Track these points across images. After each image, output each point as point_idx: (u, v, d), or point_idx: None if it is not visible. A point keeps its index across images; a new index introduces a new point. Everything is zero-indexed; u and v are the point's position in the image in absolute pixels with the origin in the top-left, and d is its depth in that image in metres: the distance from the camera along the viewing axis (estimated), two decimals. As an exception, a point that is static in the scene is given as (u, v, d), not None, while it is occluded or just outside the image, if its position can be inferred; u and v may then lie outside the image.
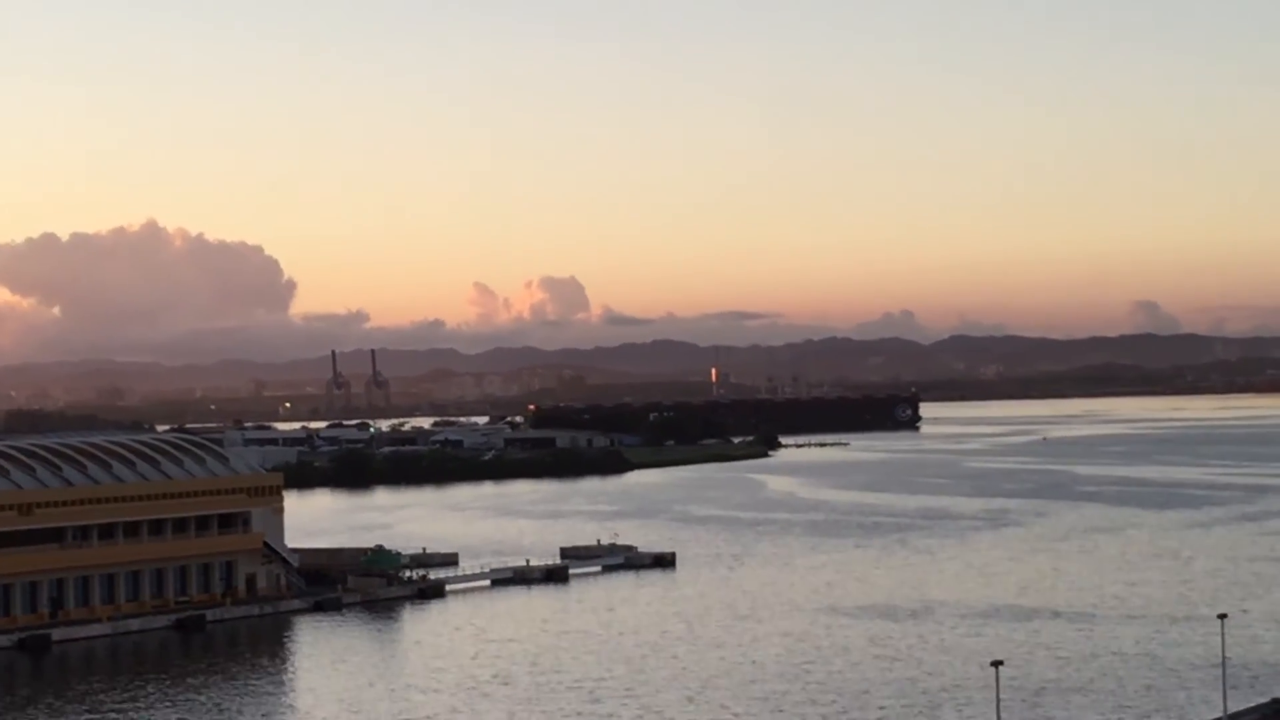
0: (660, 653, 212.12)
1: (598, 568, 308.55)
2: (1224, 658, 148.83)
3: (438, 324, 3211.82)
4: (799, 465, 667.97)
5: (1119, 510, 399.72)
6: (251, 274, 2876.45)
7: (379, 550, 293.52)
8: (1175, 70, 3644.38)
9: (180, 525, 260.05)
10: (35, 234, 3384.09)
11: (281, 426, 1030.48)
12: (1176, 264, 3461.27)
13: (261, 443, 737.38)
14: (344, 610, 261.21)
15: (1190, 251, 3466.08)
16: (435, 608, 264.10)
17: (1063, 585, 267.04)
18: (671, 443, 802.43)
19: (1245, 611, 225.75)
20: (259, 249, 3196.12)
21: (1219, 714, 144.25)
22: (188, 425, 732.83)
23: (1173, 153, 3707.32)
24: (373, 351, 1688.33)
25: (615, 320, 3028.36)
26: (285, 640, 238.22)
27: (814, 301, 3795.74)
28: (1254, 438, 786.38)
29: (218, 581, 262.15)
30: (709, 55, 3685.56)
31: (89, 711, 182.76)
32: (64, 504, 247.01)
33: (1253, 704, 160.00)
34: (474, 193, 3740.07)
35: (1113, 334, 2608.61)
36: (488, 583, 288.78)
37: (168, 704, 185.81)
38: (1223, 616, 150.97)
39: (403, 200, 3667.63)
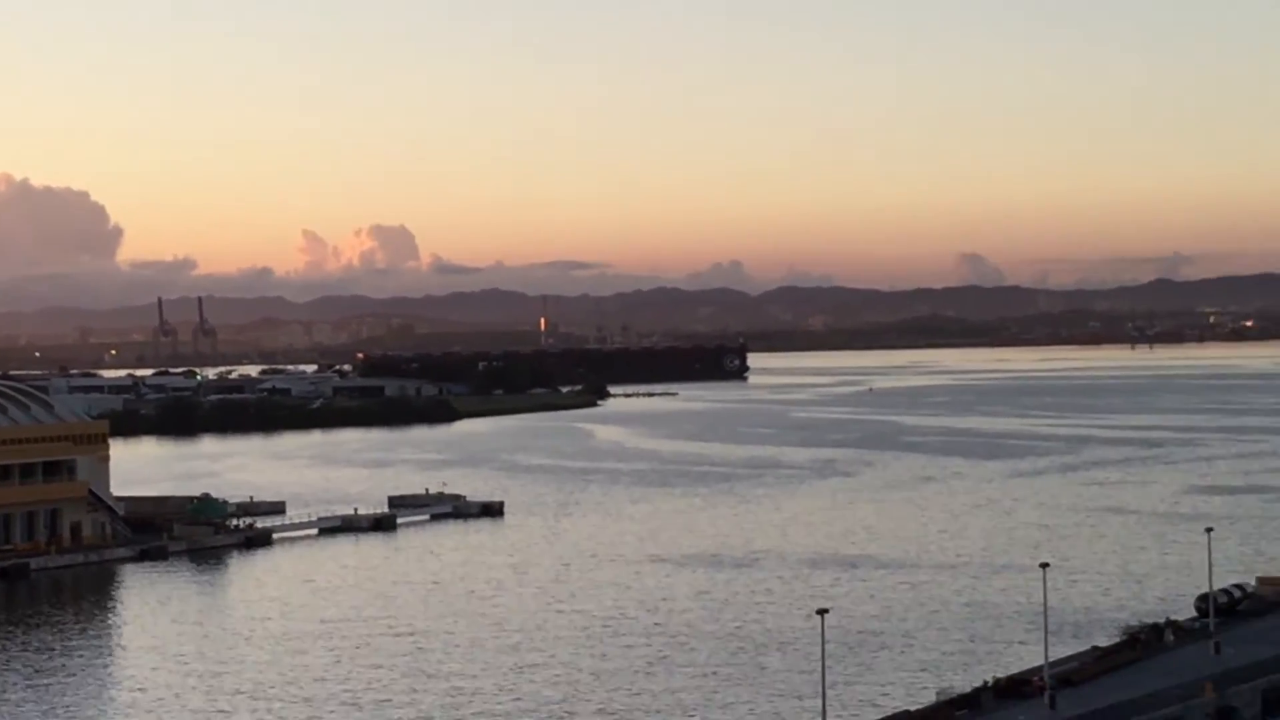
0: (487, 601, 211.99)
1: (425, 516, 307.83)
2: (1045, 606, 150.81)
3: (266, 272, 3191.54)
4: (627, 415, 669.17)
5: (943, 460, 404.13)
6: (77, 220, 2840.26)
7: (205, 498, 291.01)
8: (1001, 27, 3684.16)
9: (4, 473, 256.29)
10: None
11: (107, 374, 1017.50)
12: (1002, 217, 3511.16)
13: (87, 390, 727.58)
14: (170, 559, 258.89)
15: (1016, 205, 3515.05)
16: (262, 556, 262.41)
17: (887, 534, 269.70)
18: (500, 392, 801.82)
19: (1067, 561, 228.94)
20: (85, 195, 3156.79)
21: (1040, 662, 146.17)
22: (11, 373, 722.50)
23: (998, 107, 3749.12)
24: (200, 299, 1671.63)
25: (445, 269, 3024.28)
26: (110, 589, 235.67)
27: (644, 252, 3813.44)
28: (1076, 389, 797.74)
29: (42, 530, 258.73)
30: (539, 1, 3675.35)
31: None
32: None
33: (1073, 651, 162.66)
34: (303, 139, 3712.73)
35: (939, 286, 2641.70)
36: (315, 531, 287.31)
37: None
38: (1044, 566, 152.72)
39: (231, 147, 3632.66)
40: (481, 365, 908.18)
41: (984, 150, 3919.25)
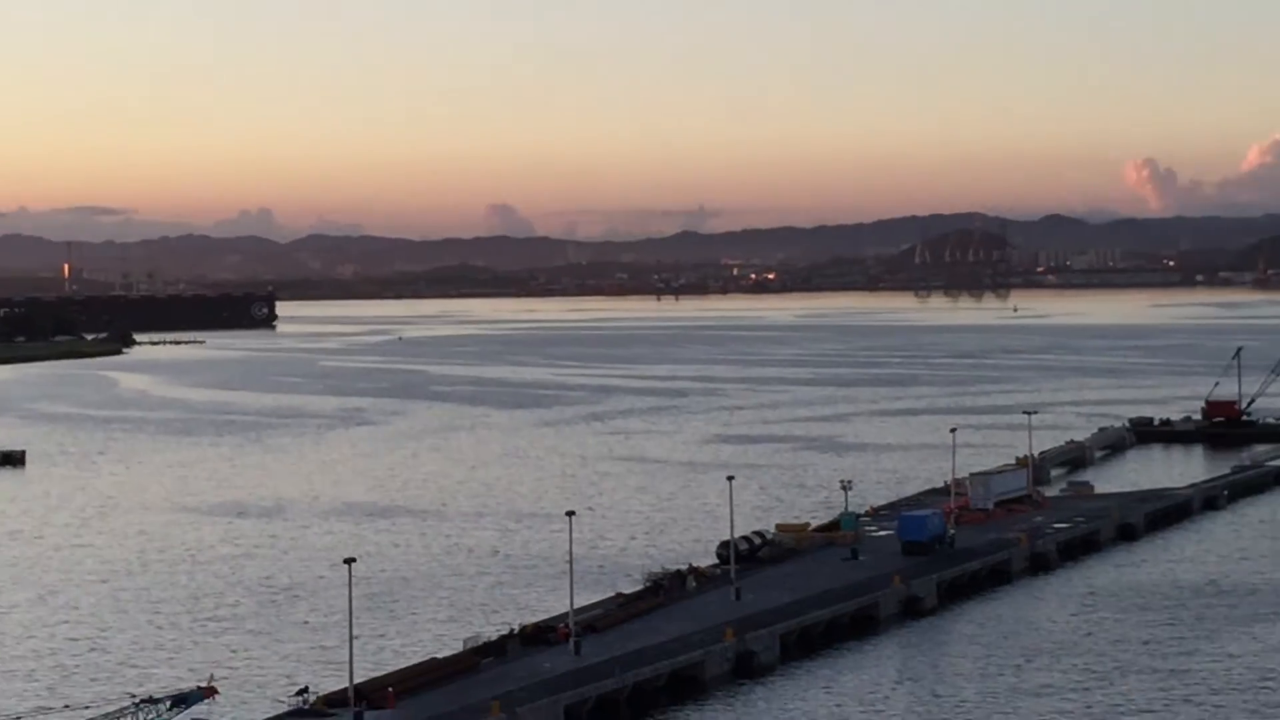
0: (8, 552, 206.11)
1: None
2: (571, 554, 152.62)
3: None
4: (154, 363, 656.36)
5: (471, 409, 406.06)
6: None
7: None
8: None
9: None
10: None
11: None
12: (531, 169, 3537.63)
13: None
14: None
15: (545, 157, 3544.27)
16: None
17: (415, 483, 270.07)
18: (22, 339, 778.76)
19: (592, 509, 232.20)
20: None
21: (565, 609, 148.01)
22: None
23: (526, 60, 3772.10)
24: None
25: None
26: None
27: (171, 199, 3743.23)
28: (602, 339, 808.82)
29: None
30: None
31: None
32: None
33: (599, 599, 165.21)
34: None
35: (468, 236, 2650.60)
36: None
37: None
38: (570, 514, 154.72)
39: None
40: (2, 312, 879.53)
41: (516, 100, 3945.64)
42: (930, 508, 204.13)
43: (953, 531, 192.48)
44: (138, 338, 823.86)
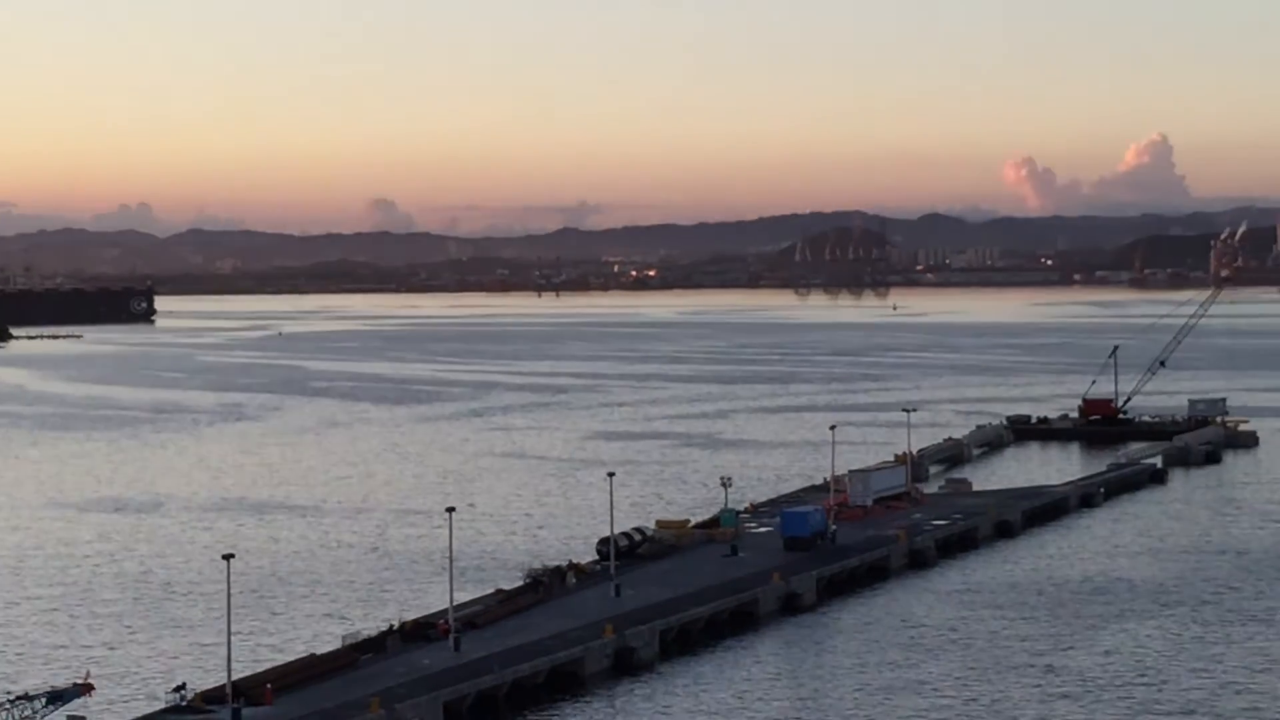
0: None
1: None
2: (451, 550, 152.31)
3: None
4: (30, 357, 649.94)
5: (352, 405, 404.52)
6: None
7: None
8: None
9: None
10: None
11: None
12: (412, 164, 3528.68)
13: None
14: None
15: (426, 152, 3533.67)
16: None
17: (295, 479, 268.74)
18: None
19: (472, 506, 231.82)
20: None
21: (445, 605, 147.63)
22: None
23: (407, 59, 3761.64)
24: None
25: None
26: None
27: (49, 191, 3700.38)
28: (483, 336, 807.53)
29: None
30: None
31: None
32: None
33: (479, 595, 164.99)
34: None
35: (349, 231, 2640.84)
36: None
37: None
38: (450, 510, 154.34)
39: None
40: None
41: (397, 95, 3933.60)
42: (812, 504, 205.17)
43: (834, 527, 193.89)
44: (14, 332, 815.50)
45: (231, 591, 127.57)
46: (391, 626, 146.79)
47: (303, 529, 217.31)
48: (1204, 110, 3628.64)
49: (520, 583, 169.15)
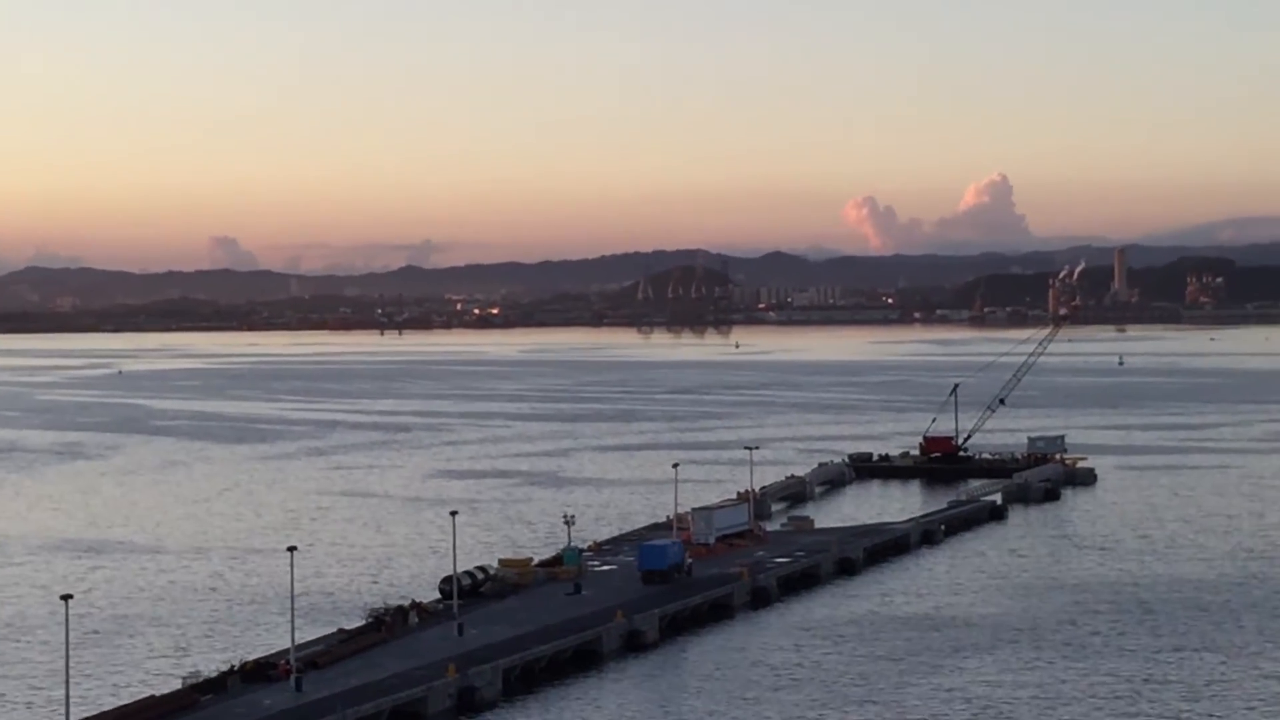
0: None
1: None
2: (292, 590, 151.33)
3: None
4: None
5: (192, 444, 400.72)
6: None
7: None
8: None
9: None
10: None
11: None
12: (254, 201, 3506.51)
13: None
14: None
15: (268, 189, 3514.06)
16: None
17: (135, 519, 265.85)
18: None
19: (314, 545, 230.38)
20: None
21: (287, 645, 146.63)
22: None
23: (244, 98, 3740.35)
24: None
25: None
26: None
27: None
28: (326, 374, 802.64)
29: None
30: None
31: None
32: None
33: (321, 634, 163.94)
34: None
35: (190, 269, 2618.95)
36: None
37: None
38: (292, 549, 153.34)
39: None
40: None
41: (238, 132, 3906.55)
42: (669, 538, 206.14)
43: (690, 561, 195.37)
44: None
45: (70, 632, 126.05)
46: (232, 666, 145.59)
47: (143, 569, 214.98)
48: (1043, 150, 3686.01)
49: (362, 622, 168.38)
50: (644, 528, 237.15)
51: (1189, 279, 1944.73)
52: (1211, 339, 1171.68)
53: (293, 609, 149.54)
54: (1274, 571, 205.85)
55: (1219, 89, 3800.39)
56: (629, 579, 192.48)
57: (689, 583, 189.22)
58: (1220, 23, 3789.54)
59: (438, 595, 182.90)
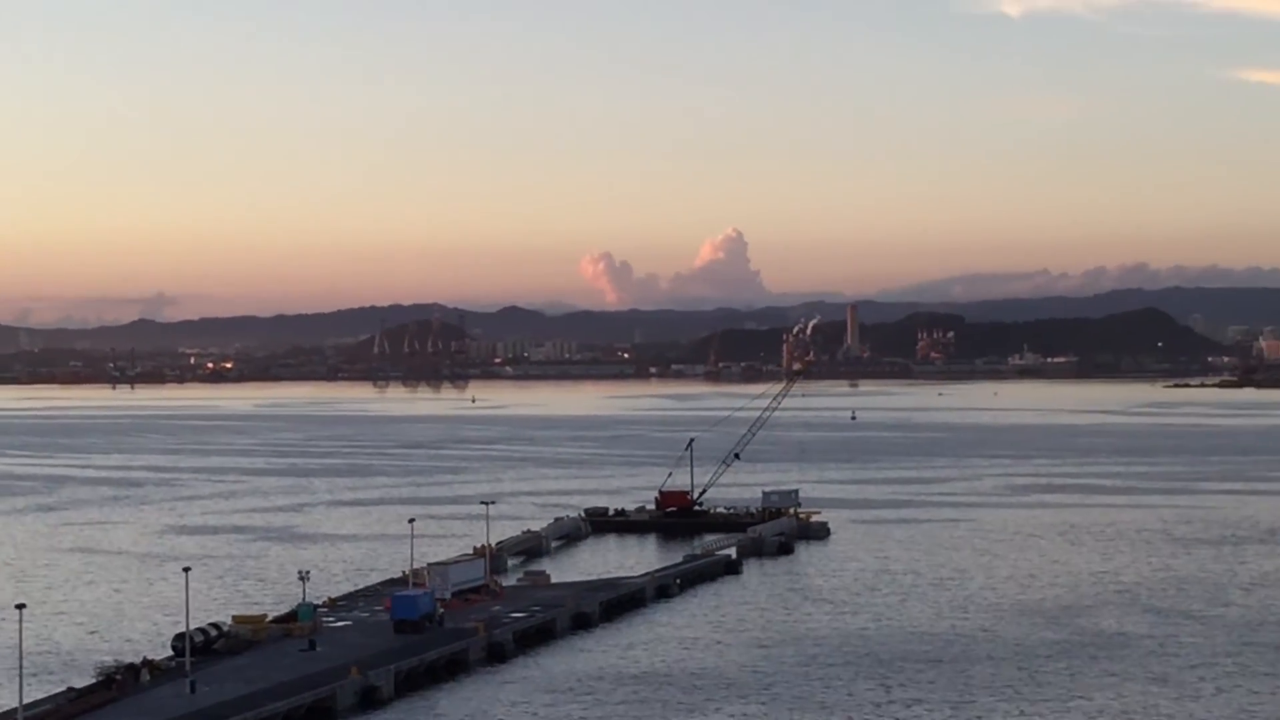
0: None
1: None
2: (21, 648, 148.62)
3: None
4: None
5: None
6: None
7: None
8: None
9: None
10: None
11: None
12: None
13: None
14: None
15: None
16: None
17: None
18: None
19: (44, 602, 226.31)
20: None
21: (14, 705, 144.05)
22: None
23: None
24: None
25: None
26: None
27: None
28: (54, 429, 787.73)
29: None
30: None
31: None
32: None
33: (49, 693, 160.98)
34: None
35: None
36: None
37: None
38: (21, 607, 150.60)
39: None
40: None
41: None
42: (421, 589, 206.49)
43: (441, 611, 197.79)
44: None
45: None
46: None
47: None
48: (777, 207, 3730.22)
49: (93, 680, 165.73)
50: (380, 583, 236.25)
51: (920, 334, 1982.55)
52: (940, 394, 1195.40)
53: (21, 667, 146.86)
54: (1002, 624, 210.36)
55: (951, 150, 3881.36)
56: (367, 634, 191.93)
57: (440, 633, 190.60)
58: (952, 87, 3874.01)
59: (170, 652, 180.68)
